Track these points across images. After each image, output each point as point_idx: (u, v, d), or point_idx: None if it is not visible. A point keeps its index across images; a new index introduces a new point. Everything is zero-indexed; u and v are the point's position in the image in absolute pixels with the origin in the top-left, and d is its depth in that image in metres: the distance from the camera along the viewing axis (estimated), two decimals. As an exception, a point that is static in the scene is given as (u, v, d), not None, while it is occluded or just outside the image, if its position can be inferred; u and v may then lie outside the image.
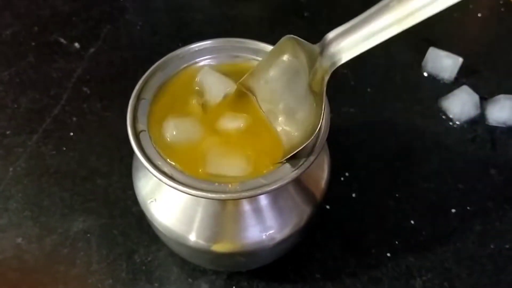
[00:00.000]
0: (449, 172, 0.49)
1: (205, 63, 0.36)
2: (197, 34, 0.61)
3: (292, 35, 0.32)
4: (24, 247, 0.43)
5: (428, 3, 0.25)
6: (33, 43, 0.59)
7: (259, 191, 0.29)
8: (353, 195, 0.47)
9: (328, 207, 0.46)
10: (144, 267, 0.42)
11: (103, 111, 0.53)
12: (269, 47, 0.36)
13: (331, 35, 0.30)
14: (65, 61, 0.57)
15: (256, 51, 0.37)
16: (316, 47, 0.31)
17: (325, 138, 0.32)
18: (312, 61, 0.30)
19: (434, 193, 0.47)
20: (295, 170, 0.30)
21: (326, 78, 0.30)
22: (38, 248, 0.43)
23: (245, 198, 0.29)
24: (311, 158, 0.31)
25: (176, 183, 0.29)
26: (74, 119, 0.52)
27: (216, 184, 0.30)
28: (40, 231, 0.44)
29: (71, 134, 0.51)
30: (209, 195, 0.29)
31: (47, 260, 0.43)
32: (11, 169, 0.48)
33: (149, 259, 0.43)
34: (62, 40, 0.59)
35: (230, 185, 0.30)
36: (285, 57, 0.33)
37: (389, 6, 0.27)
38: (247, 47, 0.37)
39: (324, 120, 0.31)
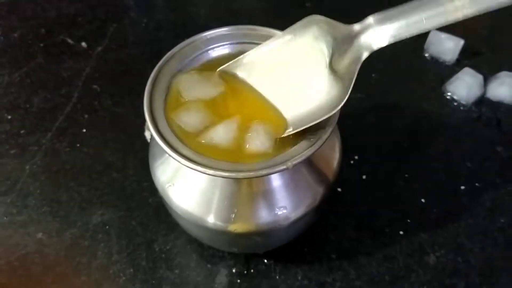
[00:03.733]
0: (457, 151, 0.50)
1: (218, 50, 0.37)
2: (201, 29, 0.62)
3: (318, 16, 0.33)
4: (45, 242, 0.44)
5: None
6: (41, 44, 0.60)
7: (273, 170, 0.30)
8: (364, 177, 0.48)
9: (339, 189, 0.47)
10: (163, 255, 0.43)
11: (114, 107, 0.54)
12: (277, 32, 0.37)
13: (374, 18, 0.31)
14: (74, 61, 0.58)
15: (267, 38, 0.38)
16: (352, 28, 0.32)
17: (336, 118, 0.33)
18: (342, 41, 0.32)
19: (443, 172, 0.48)
20: (308, 148, 0.31)
21: (363, 57, 0.31)
22: (59, 242, 0.44)
23: (260, 176, 0.30)
24: (324, 136, 0.32)
25: (195, 164, 0.30)
26: (86, 116, 0.53)
27: (233, 163, 0.31)
28: (60, 226, 0.45)
29: (84, 130, 0.52)
30: (225, 174, 0.30)
31: (69, 253, 0.44)
32: (27, 167, 0.49)
33: (168, 247, 0.44)
34: (69, 40, 0.60)
35: (246, 165, 0.31)
36: (301, 38, 0.34)
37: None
38: (257, 33, 0.38)
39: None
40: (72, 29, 0.62)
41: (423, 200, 0.46)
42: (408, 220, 0.45)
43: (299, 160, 0.31)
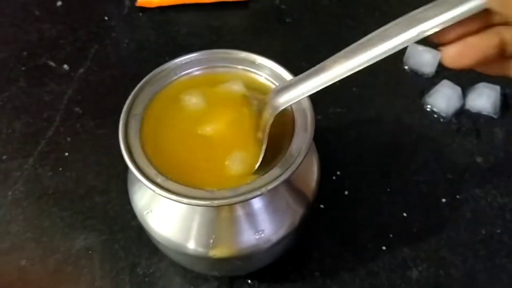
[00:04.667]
0: (437, 163, 0.50)
1: (190, 75, 0.38)
2: (183, 47, 0.62)
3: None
4: (28, 269, 0.44)
5: (354, 67, 0.30)
6: (23, 68, 0.60)
7: (248, 196, 0.30)
8: (346, 192, 0.48)
9: (322, 206, 0.47)
10: (147, 279, 0.43)
11: (97, 129, 0.54)
12: (250, 55, 0.38)
13: (274, 91, 0.34)
14: (56, 84, 0.58)
15: (238, 60, 0.38)
16: (265, 99, 0.34)
17: (310, 141, 0.33)
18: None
19: (424, 185, 0.49)
20: (283, 173, 0.31)
21: (269, 122, 0.33)
22: (42, 268, 0.44)
23: (234, 203, 0.31)
24: (298, 160, 0.32)
25: (170, 193, 0.31)
26: (69, 139, 0.53)
27: (209, 191, 0.31)
28: (43, 252, 0.45)
29: (67, 154, 0.52)
30: (201, 202, 0.30)
31: (52, 279, 0.44)
32: (10, 193, 0.49)
33: (151, 270, 0.44)
34: (51, 63, 0.61)
35: (221, 192, 0.31)
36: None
37: (324, 67, 0.32)
38: (229, 57, 0.38)
39: (309, 125, 0.33)
40: (54, 51, 0.62)
41: (405, 214, 0.47)
42: (391, 235, 0.45)
43: (275, 185, 0.31)
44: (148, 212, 0.36)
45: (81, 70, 0.60)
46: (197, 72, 0.38)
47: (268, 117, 0.33)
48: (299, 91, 0.32)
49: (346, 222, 0.46)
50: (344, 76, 0.31)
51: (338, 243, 0.45)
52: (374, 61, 0.30)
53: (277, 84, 0.37)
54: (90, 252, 0.45)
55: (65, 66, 0.60)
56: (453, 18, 0.28)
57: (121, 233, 0.46)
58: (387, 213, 0.47)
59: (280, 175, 0.31)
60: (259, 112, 0.34)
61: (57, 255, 0.45)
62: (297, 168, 0.32)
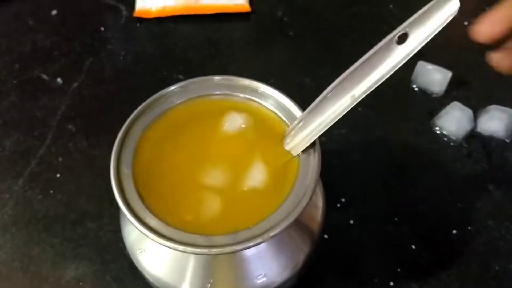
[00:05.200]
0: (447, 191, 0.48)
1: (188, 103, 0.35)
2: (181, 61, 0.60)
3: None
4: (16, 300, 0.42)
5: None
6: (15, 81, 0.58)
7: (248, 244, 0.28)
8: (351, 221, 0.46)
9: (326, 236, 0.45)
10: (139, 314, 0.41)
11: (90, 149, 0.51)
12: (253, 83, 0.35)
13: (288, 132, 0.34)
14: (49, 98, 0.56)
15: (240, 88, 0.36)
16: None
17: (316, 183, 0.31)
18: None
19: (434, 214, 0.46)
20: (287, 217, 0.29)
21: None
22: (30, 300, 0.42)
23: (234, 251, 0.28)
24: (303, 202, 0.29)
25: (163, 239, 0.28)
26: (60, 159, 0.51)
27: (206, 237, 0.28)
28: (30, 282, 0.43)
29: (58, 175, 0.49)
30: (199, 250, 0.28)
31: (40, 312, 0.42)
32: (-2, 217, 0.47)
33: (144, 305, 0.41)
34: (44, 76, 0.58)
35: (220, 238, 0.28)
36: None
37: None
38: (230, 84, 0.36)
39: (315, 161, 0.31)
40: (48, 63, 0.59)
41: (413, 246, 0.44)
42: (398, 269, 0.43)
43: (277, 231, 0.28)
44: (141, 251, 0.34)
45: (75, 84, 0.57)
46: (195, 100, 0.35)
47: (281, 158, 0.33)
48: (313, 129, 0.32)
49: (351, 254, 0.44)
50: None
51: (342, 277, 0.43)
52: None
53: (280, 114, 0.35)
54: (80, 283, 0.43)
55: (59, 80, 0.57)
56: None
57: (114, 263, 0.44)
58: (394, 244, 0.45)
59: (283, 220, 0.29)
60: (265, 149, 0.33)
61: (46, 286, 0.43)
62: (302, 211, 0.29)
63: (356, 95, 0.30)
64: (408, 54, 0.28)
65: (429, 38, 0.28)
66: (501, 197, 0.47)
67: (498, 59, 0.32)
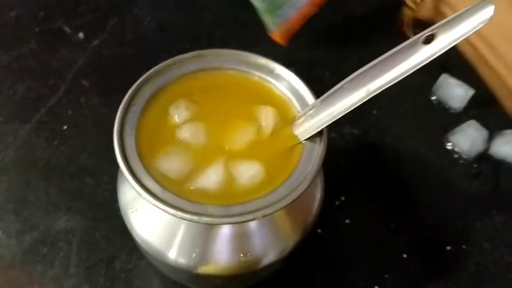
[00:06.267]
0: (449, 207, 0.47)
1: (199, 74, 0.35)
2: (205, 35, 0.59)
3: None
4: (3, 242, 0.42)
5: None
6: (36, 29, 0.58)
7: (240, 219, 0.27)
8: (347, 221, 0.45)
9: (319, 231, 0.44)
10: (123, 275, 0.41)
11: (100, 107, 0.51)
12: (270, 62, 0.35)
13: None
14: (67, 51, 0.56)
15: (255, 66, 0.35)
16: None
17: (316, 171, 0.30)
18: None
19: (431, 228, 0.46)
20: (281, 200, 0.29)
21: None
22: (17, 244, 0.42)
23: (224, 224, 0.28)
24: (301, 188, 0.29)
25: (156, 200, 0.28)
26: (70, 112, 0.51)
27: (198, 205, 0.28)
28: (21, 227, 0.43)
29: (65, 127, 0.49)
30: (188, 216, 0.28)
31: (25, 257, 0.42)
32: (-1, 158, 0.47)
33: (129, 267, 0.41)
34: (66, 28, 0.58)
35: (213, 208, 0.28)
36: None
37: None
38: (247, 61, 0.35)
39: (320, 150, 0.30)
40: (72, 17, 0.59)
41: (405, 256, 0.44)
42: (386, 275, 0.42)
43: (270, 212, 0.28)
44: (133, 211, 0.34)
45: (96, 42, 0.57)
46: (209, 71, 0.35)
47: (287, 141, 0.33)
48: (323, 118, 0.32)
49: (341, 253, 0.44)
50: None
51: (329, 274, 0.42)
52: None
53: (293, 98, 0.34)
54: (70, 235, 0.43)
55: (80, 35, 0.57)
56: None
57: (105, 221, 0.44)
58: (386, 250, 0.44)
59: (278, 202, 0.29)
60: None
61: (35, 233, 0.43)
62: (298, 197, 0.29)
63: (371, 89, 0.30)
64: (432, 55, 0.28)
65: (456, 42, 0.27)
66: (502, 223, 0.46)
67: None
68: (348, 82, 0.31)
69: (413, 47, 0.29)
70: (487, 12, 0.26)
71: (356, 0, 0.65)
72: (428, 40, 0.28)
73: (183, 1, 0.63)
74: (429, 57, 0.28)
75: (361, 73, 0.30)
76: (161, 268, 0.37)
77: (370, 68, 0.30)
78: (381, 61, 0.30)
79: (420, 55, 0.28)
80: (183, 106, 0.33)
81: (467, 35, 0.27)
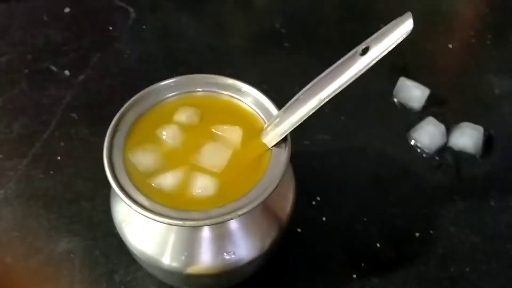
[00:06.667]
0: (416, 197, 0.52)
1: (176, 98, 0.40)
2: (181, 63, 0.64)
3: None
4: (13, 266, 0.46)
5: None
6: (26, 71, 0.62)
7: (219, 219, 0.32)
8: (323, 218, 0.50)
9: (299, 230, 0.48)
10: (122, 287, 0.45)
11: (90, 136, 0.56)
12: (236, 82, 0.40)
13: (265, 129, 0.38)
14: (56, 88, 0.60)
15: (224, 86, 0.40)
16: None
17: (284, 170, 0.35)
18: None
19: (400, 217, 0.50)
20: (254, 200, 0.33)
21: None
22: (25, 267, 0.46)
23: (206, 225, 0.32)
24: (270, 188, 0.34)
25: (147, 211, 0.32)
26: (62, 144, 0.55)
27: (181, 212, 0.33)
28: (27, 251, 0.47)
29: (59, 158, 0.54)
30: (174, 222, 0.32)
31: (34, 278, 0.45)
32: (2, 191, 0.51)
33: (128, 279, 0.45)
34: (53, 68, 0.63)
35: (194, 213, 0.32)
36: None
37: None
38: (216, 82, 0.40)
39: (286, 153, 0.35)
40: (57, 57, 0.64)
41: (378, 245, 0.48)
42: (362, 264, 0.47)
43: (245, 211, 0.32)
44: (126, 225, 0.38)
45: (81, 77, 0.62)
46: (184, 94, 0.40)
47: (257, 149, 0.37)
48: (286, 126, 0.36)
49: (321, 248, 0.48)
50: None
51: (311, 267, 0.46)
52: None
53: (259, 112, 0.39)
54: (71, 255, 0.47)
55: (66, 72, 0.62)
56: None
57: (103, 239, 0.48)
58: (361, 242, 0.48)
59: (251, 202, 0.33)
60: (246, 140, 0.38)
61: (40, 256, 0.47)
62: (269, 196, 0.33)
63: (322, 97, 0.34)
64: (368, 65, 0.33)
65: (386, 51, 0.32)
66: (465, 207, 0.51)
67: None
68: (303, 93, 0.36)
69: (352, 59, 0.34)
70: (408, 25, 0.31)
71: (319, 20, 0.71)
72: (364, 52, 0.33)
73: (159, 33, 0.68)
74: (366, 66, 0.33)
75: (313, 84, 0.35)
76: (156, 274, 0.41)
77: (319, 79, 0.35)
78: (328, 73, 0.35)
79: (359, 65, 0.33)
80: (160, 130, 0.38)
81: (395, 45, 0.32)
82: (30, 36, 0.67)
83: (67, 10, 0.70)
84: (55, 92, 0.60)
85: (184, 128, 0.38)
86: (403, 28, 0.31)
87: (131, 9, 0.70)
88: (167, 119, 0.38)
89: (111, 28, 0.68)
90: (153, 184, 0.35)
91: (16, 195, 0.51)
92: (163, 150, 0.37)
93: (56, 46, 0.65)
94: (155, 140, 0.37)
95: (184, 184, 0.35)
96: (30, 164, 0.53)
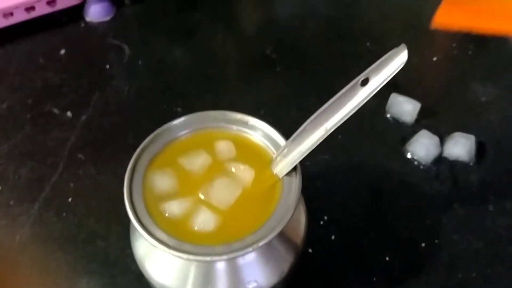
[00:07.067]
0: (417, 208, 0.54)
1: (188, 136, 0.42)
2: (179, 94, 0.66)
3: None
4: (35, 311, 0.47)
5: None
6: (28, 115, 0.64)
7: (241, 252, 0.34)
8: (332, 237, 0.52)
9: (310, 250, 0.50)
10: (146, 321, 0.46)
11: (98, 175, 0.57)
12: (244, 116, 0.42)
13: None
14: (59, 130, 0.62)
15: (232, 121, 0.42)
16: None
17: (298, 200, 0.37)
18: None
19: (405, 229, 0.52)
20: (272, 230, 0.35)
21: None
22: (47, 311, 0.47)
23: (229, 259, 0.34)
24: (286, 217, 0.35)
25: (169, 248, 0.34)
26: (72, 185, 0.56)
27: (204, 247, 0.34)
28: (48, 295, 0.48)
29: (70, 200, 0.55)
30: (199, 258, 0.34)
31: (57, 322, 0.47)
32: (18, 237, 0.52)
33: (150, 313, 0.47)
34: (55, 110, 0.64)
35: (216, 248, 0.34)
36: None
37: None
38: (224, 118, 0.43)
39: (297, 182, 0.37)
40: (58, 98, 0.65)
41: (387, 258, 0.50)
42: (374, 278, 0.49)
43: (265, 241, 0.34)
44: (149, 262, 0.39)
45: (83, 117, 0.63)
46: (196, 132, 0.42)
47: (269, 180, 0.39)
48: (295, 155, 0.38)
49: (333, 265, 0.50)
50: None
51: (324, 285, 0.48)
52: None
53: (267, 143, 0.41)
54: (92, 294, 0.48)
55: (68, 113, 0.64)
56: None
57: (121, 276, 0.49)
58: (370, 256, 0.50)
59: (270, 233, 0.35)
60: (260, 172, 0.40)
61: (61, 298, 0.48)
62: (286, 225, 0.35)
63: (328, 127, 0.37)
64: (369, 95, 0.35)
65: (386, 82, 0.34)
66: (465, 214, 0.53)
67: None
68: (309, 123, 0.38)
69: (353, 90, 0.36)
70: (403, 56, 0.34)
71: (309, 43, 0.73)
72: (364, 82, 0.35)
73: (155, 67, 0.70)
74: (367, 96, 0.35)
75: (318, 115, 0.37)
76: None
77: (324, 110, 0.37)
78: (331, 103, 0.37)
79: (361, 95, 0.35)
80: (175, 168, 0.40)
81: (392, 75, 0.34)
82: (28, 80, 0.68)
83: (62, 51, 0.71)
84: (59, 134, 0.61)
85: (197, 164, 0.40)
86: (399, 59, 0.34)
87: (125, 46, 0.72)
88: (181, 157, 0.40)
89: (107, 66, 0.69)
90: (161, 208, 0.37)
91: (32, 240, 0.52)
92: (179, 176, 0.39)
93: (55, 88, 0.67)
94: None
95: (205, 221, 0.37)
96: (41, 207, 0.54)
